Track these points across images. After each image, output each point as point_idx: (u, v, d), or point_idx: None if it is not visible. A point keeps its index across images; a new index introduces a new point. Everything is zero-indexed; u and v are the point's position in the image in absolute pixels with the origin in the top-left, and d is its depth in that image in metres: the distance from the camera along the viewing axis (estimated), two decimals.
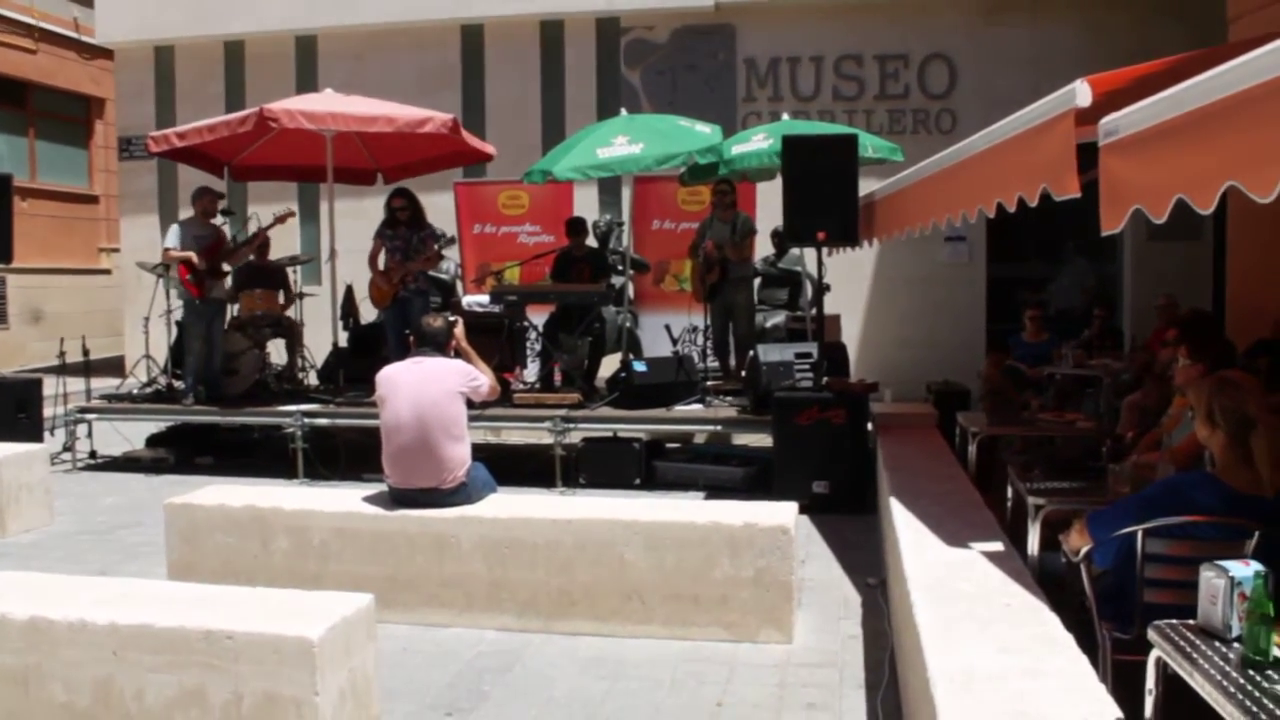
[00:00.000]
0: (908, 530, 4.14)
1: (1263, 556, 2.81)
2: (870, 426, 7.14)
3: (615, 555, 4.44)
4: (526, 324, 9.07)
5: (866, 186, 7.15)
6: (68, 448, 8.50)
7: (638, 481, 7.41)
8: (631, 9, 12.10)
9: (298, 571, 4.70)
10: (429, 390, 4.72)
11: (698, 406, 7.85)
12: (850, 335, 10.62)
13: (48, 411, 8.46)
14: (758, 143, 8.33)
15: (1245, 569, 2.52)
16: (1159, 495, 3.18)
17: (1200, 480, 3.19)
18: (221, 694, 3.13)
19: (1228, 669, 2.35)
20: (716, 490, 7.17)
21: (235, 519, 4.87)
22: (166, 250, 8.49)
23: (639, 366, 7.93)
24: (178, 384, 8.86)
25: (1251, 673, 2.32)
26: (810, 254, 7.99)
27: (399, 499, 4.77)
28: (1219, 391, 3.17)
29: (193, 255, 8.26)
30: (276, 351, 9.54)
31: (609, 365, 8.78)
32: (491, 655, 4.28)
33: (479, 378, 4.92)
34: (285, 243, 11.16)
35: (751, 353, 7.52)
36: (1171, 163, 2.83)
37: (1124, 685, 2.88)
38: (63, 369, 9.12)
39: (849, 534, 6.04)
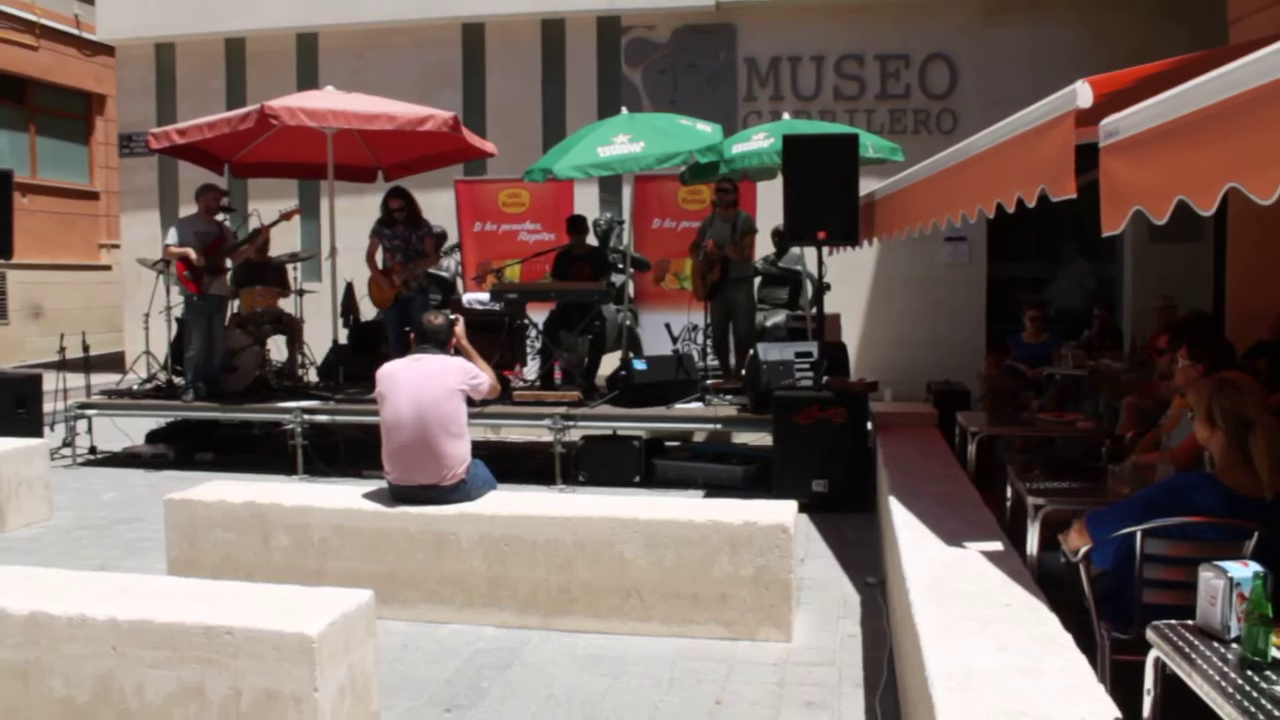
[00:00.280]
0: (907, 530, 4.14)
1: (1262, 557, 2.81)
2: (870, 426, 7.14)
3: (614, 553, 4.44)
4: (527, 322, 9.09)
5: (867, 186, 7.16)
6: (68, 443, 8.51)
7: (637, 479, 7.41)
8: (633, 8, 12.10)
9: (297, 568, 4.71)
10: (429, 388, 4.72)
11: (697, 405, 7.85)
12: (850, 335, 10.63)
13: (48, 407, 8.46)
14: (758, 142, 8.33)
15: (1244, 570, 2.52)
16: (1158, 496, 3.18)
17: (1199, 481, 3.20)
18: (221, 689, 3.13)
19: (1226, 669, 2.35)
20: (716, 489, 7.18)
21: (235, 515, 4.87)
22: (166, 246, 8.50)
23: (639, 365, 7.93)
24: (178, 380, 8.86)
25: (1250, 673, 2.33)
26: (810, 253, 8.00)
27: (399, 496, 4.78)
28: (1218, 392, 3.17)
29: (190, 251, 8.25)
30: (277, 348, 9.54)
31: (609, 363, 8.78)
32: (491, 652, 4.29)
33: (479, 375, 4.92)
34: (286, 240, 11.18)
35: (752, 351, 7.52)
36: (1172, 164, 2.83)
37: (1122, 685, 2.89)
38: (63, 365, 9.13)
39: (848, 533, 6.05)
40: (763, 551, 4.33)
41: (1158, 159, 2.92)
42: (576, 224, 8.86)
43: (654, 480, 7.47)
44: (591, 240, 9.38)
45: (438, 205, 10.82)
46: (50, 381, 8.66)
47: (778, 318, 9.33)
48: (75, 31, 16.82)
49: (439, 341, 4.94)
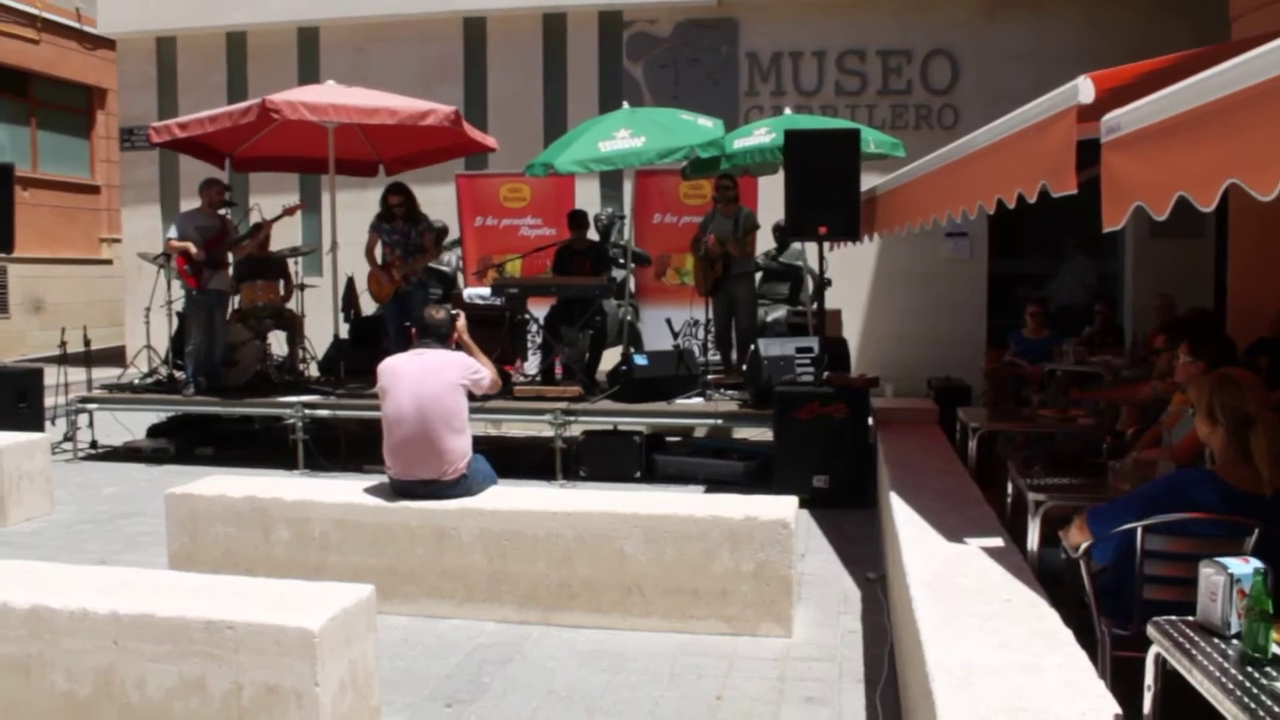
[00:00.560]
0: (908, 525, 4.15)
1: (1262, 554, 2.81)
2: (871, 421, 7.14)
3: (615, 548, 4.45)
4: (527, 317, 9.08)
5: (868, 181, 7.15)
6: (69, 437, 8.51)
7: (638, 475, 7.41)
8: (634, 2, 12.09)
9: (298, 562, 4.72)
10: (430, 382, 4.72)
11: (698, 400, 7.85)
12: (851, 330, 10.63)
13: (49, 401, 8.46)
14: (760, 137, 8.32)
15: (1244, 566, 2.52)
16: (1159, 492, 3.18)
17: (1200, 477, 3.20)
18: (222, 684, 3.14)
19: (1226, 666, 2.36)
20: (717, 484, 7.17)
21: (236, 509, 4.87)
22: (168, 240, 8.50)
23: (640, 360, 7.93)
24: (179, 374, 8.86)
25: (1250, 669, 2.33)
26: (811, 249, 7.99)
27: (399, 490, 4.78)
28: (1219, 389, 3.17)
29: (190, 246, 8.25)
30: (277, 343, 9.55)
31: (610, 358, 8.78)
32: (491, 647, 4.30)
33: (480, 370, 4.93)
34: (287, 234, 11.17)
35: (752, 347, 7.52)
36: (1173, 160, 2.83)
37: (1123, 681, 2.89)
38: (64, 359, 9.14)
39: (849, 528, 6.05)
40: (763, 547, 4.33)
41: (1159, 155, 2.91)
42: (577, 219, 8.85)
43: (655, 475, 7.47)
44: (592, 235, 9.37)
45: (439, 200, 10.82)
46: (51, 376, 8.67)
47: (778, 313, 9.33)
48: (76, 25, 16.80)
49: (440, 336, 4.94)
